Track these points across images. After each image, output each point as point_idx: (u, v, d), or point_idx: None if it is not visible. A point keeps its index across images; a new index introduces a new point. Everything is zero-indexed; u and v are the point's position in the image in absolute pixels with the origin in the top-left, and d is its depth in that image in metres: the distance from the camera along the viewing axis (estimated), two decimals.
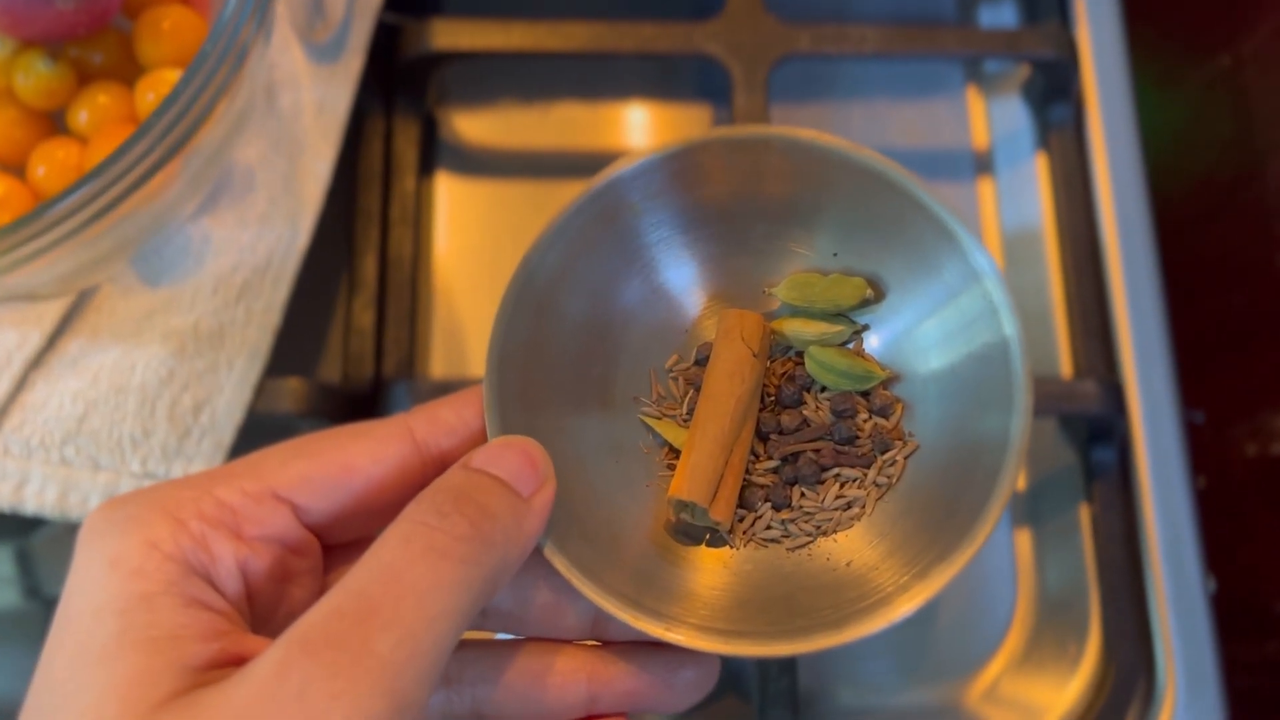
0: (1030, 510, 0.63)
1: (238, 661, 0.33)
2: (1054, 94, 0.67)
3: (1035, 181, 0.68)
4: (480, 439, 0.41)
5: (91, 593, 0.34)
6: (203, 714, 0.31)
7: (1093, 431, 0.61)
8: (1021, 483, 0.63)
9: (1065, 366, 0.63)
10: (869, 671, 0.60)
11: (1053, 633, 0.61)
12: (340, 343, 0.62)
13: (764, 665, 0.55)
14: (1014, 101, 0.70)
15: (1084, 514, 0.62)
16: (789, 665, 0.55)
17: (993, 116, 0.70)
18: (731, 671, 0.58)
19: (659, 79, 0.70)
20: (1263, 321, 0.69)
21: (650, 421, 0.45)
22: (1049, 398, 0.59)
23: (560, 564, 0.39)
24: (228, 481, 0.37)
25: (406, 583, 0.33)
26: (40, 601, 0.59)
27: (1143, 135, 0.66)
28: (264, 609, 0.38)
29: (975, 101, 0.70)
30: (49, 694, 0.33)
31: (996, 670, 0.60)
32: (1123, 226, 0.64)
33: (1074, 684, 0.59)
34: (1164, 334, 0.62)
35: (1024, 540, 0.62)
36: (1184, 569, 0.59)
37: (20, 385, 0.54)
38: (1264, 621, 0.65)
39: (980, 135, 0.70)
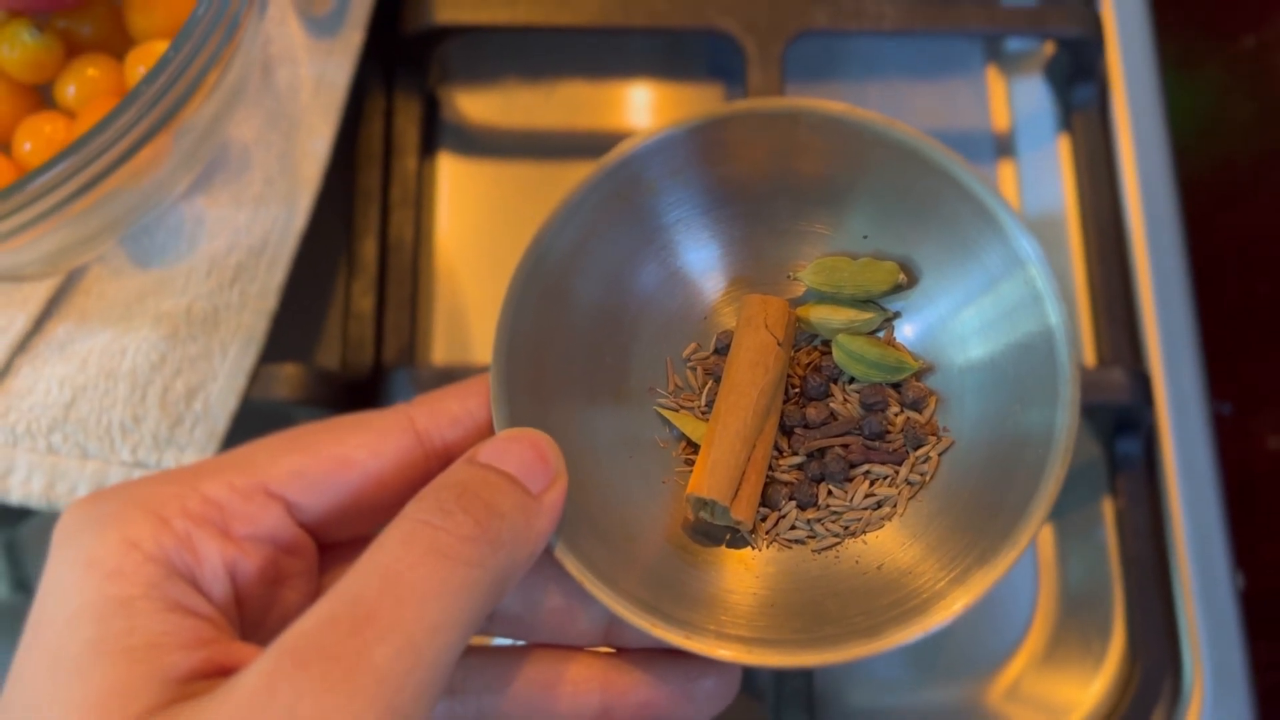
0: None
1: (224, 672, 0.32)
2: (1078, 74, 0.66)
3: (1057, 165, 0.67)
4: (486, 431, 0.40)
5: (66, 596, 0.33)
6: None
7: (1118, 423, 0.60)
8: None
9: (1089, 355, 0.63)
10: (886, 671, 0.59)
11: (1076, 630, 0.60)
12: (339, 328, 0.62)
13: None
14: (1036, 82, 0.69)
15: (1108, 508, 0.61)
16: None
17: (1014, 97, 0.69)
18: (745, 670, 0.57)
19: (669, 56, 0.69)
20: None
21: (667, 414, 0.44)
22: None
23: (572, 566, 0.37)
24: (215, 476, 0.36)
25: (407, 587, 0.31)
26: (28, 594, 0.59)
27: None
28: (254, 614, 0.37)
29: (996, 82, 0.70)
30: (21, 705, 0.32)
31: (1018, 668, 0.60)
32: (1148, 211, 0.63)
33: (1098, 683, 0.58)
34: (1191, 322, 0.62)
35: (1046, 534, 0.62)
36: (1212, 565, 0.58)
37: (5, 371, 0.53)
38: None
39: (1001, 116, 0.69)
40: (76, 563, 0.33)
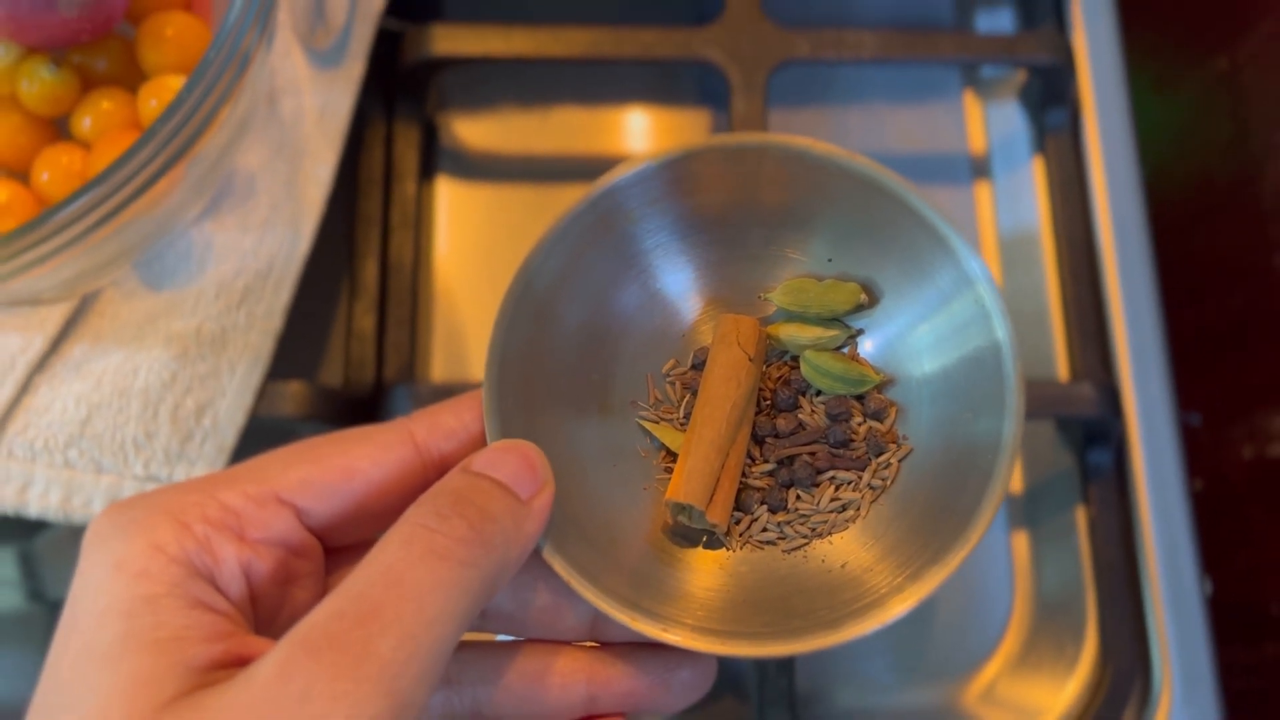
0: (1027, 512, 0.63)
1: (241, 662, 0.34)
2: (1051, 99, 0.67)
3: (1032, 186, 0.68)
4: (480, 443, 0.41)
5: (96, 595, 0.34)
6: (207, 715, 0.31)
7: (1089, 434, 0.61)
8: (1018, 485, 0.63)
9: (1062, 369, 0.63)
10: (867, 672, 0.60)
11: (1049, 634, 0.61)
12: (342, 347, 0.62)
13: (762, 665, 0.56)
14: (1011, 106, 0.70)
15: (1080, 516, 0.62)
16: (787, 665, 0.55)
17: (990, 121, 0.70)
18: (730, 672, 0.58)
19: (658, 84, 0.70)
20: (1259, 323, 0.69)
21: (648, 425, 0.45)
22: (1045, 400, 0.59)
23: (559, 566, 0.39)
24: (231, 485, 0.38)
25: (407, 585, 0.33)
26: (43, 604, 0.60)
27: (1140, 137, 0.66)
28: (267, 611, 0.38)
29: (972, 106, 0.71)
30: (55, 695, 0.34)
31: (993, 671, 0.60)
32: (1118, 231, 0.64)
33: (1070, 685, 0.59)
34: (1160, 337, 0.62)
35: (1021, 542, 0.62)
36: (1180, 571, 0.59)
37: (24, 389, 0.54)
38: (1261, 623, 0.65)
39: (977, 140, 0.70)
40: (106, 565, 0.35)
